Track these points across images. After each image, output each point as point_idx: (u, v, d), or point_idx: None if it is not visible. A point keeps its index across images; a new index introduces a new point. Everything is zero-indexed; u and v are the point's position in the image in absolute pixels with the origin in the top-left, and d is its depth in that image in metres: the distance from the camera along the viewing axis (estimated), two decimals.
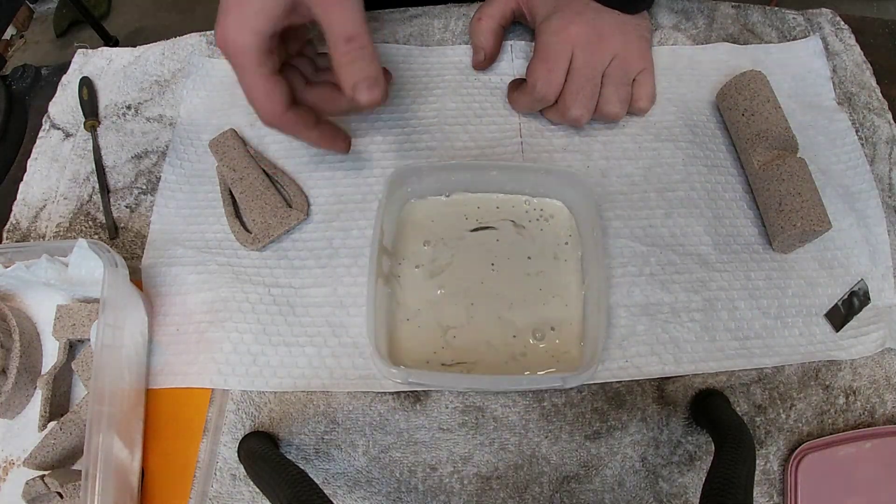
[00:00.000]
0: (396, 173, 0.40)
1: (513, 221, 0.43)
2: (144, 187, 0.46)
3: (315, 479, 0.30)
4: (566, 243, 0.42)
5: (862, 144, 0.47)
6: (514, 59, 0.50)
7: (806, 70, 0.50)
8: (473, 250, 0.42)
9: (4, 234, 0.46)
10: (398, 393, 0.39)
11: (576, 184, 0.41)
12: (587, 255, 0.41)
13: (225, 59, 0.50)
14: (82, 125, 0.49)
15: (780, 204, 0.40)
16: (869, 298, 0.41)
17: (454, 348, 0.39)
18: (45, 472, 0.35)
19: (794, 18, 0.53)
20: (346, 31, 0.34)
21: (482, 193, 0.44)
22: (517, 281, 0.41)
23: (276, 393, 0.39)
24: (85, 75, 0.51)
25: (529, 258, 0.42)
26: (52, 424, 0.37)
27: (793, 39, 0.52)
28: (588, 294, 0.40)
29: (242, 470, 0.37)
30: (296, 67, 0.40)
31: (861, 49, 0.52)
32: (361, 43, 0.34)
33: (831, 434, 0.38)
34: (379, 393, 0.39)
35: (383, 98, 0.36)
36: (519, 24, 0.50)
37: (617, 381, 0.39)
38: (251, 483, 0.37)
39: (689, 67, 0.50)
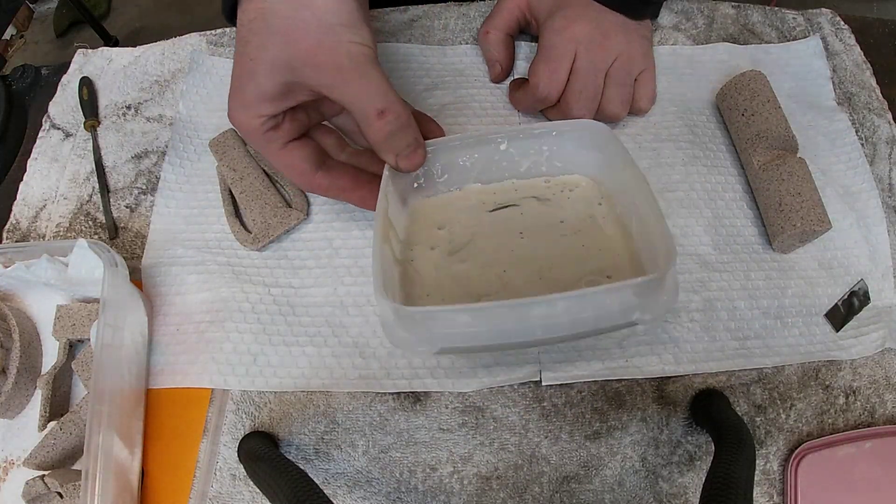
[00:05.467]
0: None
1: (535, 197, 0.39)
2: (144, 187, 0.46)
3: (315, 479, 0.30)
4: (599, 204, 0.38)
5: (862, 144, 0.47)
6: (515, 60, 0.50)
7: (806, 70, 0.50)
8: (496, 227, 0.37)
9: (4, 234, 0.46)
10: (398, 393, 0.39)
11: (598, 140, 0.37)
12: (624, 200, 0.36)
13: (226, 59, 0.50)
14: (82, 125, 0.49)
15: (780, 204, 0.40)
16: (869, 298, 0.41)
17: None
18: (45, 472, 0.35)
19: (794, 18, 0.53)
20: (374, 106, 0.32)
21: (497, 182, 0.40)
22: (554, 243, 0.36)
23: (276, 393, 0.39)
24: (85, 75, 0.51)
25: (562, 222, 0.37)
26: (52, 424, 0.37)
27: (793, 39, 0.52)
28: (641, 226, 0.34)
29: (242, 470, 0.37)
30: (330, 128, 0.39)
31: (861, 49, 0.52)
32: (395, 113, 0.33)
33: (831, 434, 0.38)
34: (379, 393, 0.39)
35: (424, 162, 0.36)
36: (523, 31, 0.50)
37: (617, 381, 0.39)
38: (251, 483, 0.37)
39: (689, 67, 0.50)
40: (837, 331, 0.41)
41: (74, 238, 0.38)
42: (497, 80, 0.48)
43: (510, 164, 0.40)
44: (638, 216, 0.35)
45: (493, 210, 0.38)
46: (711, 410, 0.37)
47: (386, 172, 0.36)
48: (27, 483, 0.35)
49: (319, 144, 0.38)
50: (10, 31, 1.83)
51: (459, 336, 0.29)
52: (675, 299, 0.29)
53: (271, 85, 0.32)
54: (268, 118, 0.33)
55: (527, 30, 0.48)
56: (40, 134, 0.50)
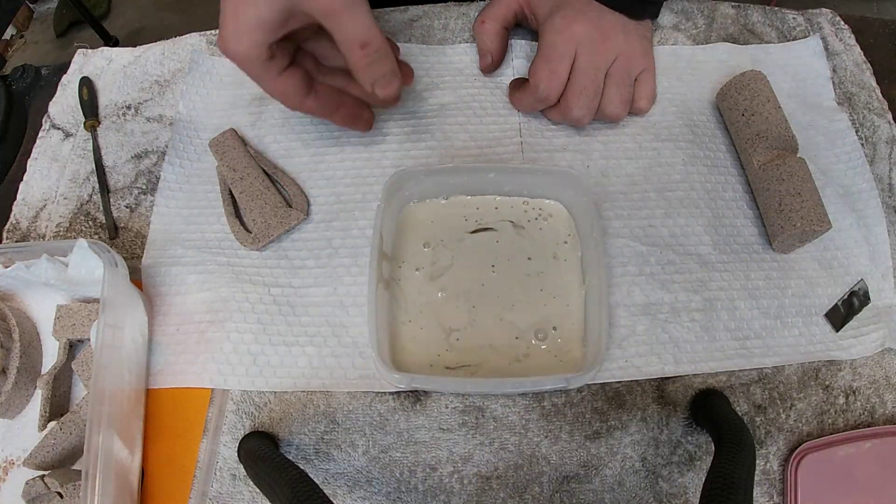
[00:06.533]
0: (394, 177, 0.40)
1: (512, 222, 0.43)
2: (144, 187, 0.46)
3: (315, 479, 0.30)
4: (565, 243, 0.42)
5: (862, 144, 0.47)
6: (514, 59, 0.50)
7: (806, 70, 0.50)
8: (473, 252, 0.42)
9: (4, 234, 0.46)
10: (398, 393, 0.39)
11: (574, 184, 0.41)
12: (587, 254, 0.41)
13: (227, 59, 0.50)
14: (82, 125, 0.49)
15: (780, 204, 0.40)
16: (869, 298, 0.41)
17: (458, 351, 0.39)
18: (45, 472, 0.35)
19: (794, 18, 0.53)
20: (358, 38, 0.35)
21: (480, 196, 0.44)
22: (518, 282, 0.41)
23: (276, 393, 0.39)
24: (85, 75, 0.51)
25: (529, 259, 0.42)
26: (52, 424, 0.37)
27: (793, 39, 0.52)
28: (589, 294, 0.40)
29: (242, 470, 0.37)
30: (307, 51, 0.41)
31: (861, 49, 0.52)
32: (375, 46, 0.35)
33: (831, 434, 0.38)
34: (379, 393, 0.39)
35: (399, 94, 0.39)
36: (520, 24, 0.50)
37: (617, 381, 0.39)
38: (251, 483, 0.37)
39: (689, 67, 0.50)
40: (837, 331, 0.41)
41: (74, 238, 0.38)
42: (487, 70, 0.49)
43: (495, 186, 0.43)
44: (589, 285, 0.40)
45: (474, 231, 0.42)
46: (711, 410, 0.37)
47: (381, 204, 0.39)
48: (27, 483, 0.35)
49: (306, 69, 0.40)
50: (10, 31, 1.83)
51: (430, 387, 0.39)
52: (597, 371, 0.36)
53: (271, 11, 0.33)
54: (263, 48, 0.35)
55: (524, 24, 0.48)
56: (40, 134, 0.50)
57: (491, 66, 0.48)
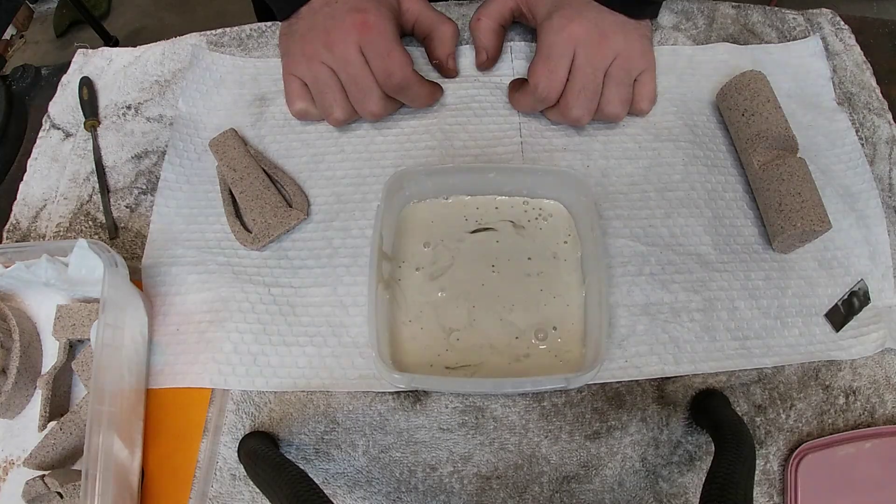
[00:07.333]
0: (394, 178, 0.40)
1: (512, 222, 0.43)
2: (144, 187, 0.46)
3: (315, 479, 0.30)
4: (565, 242, 0.42)
5: (862, 144, 0.47)
6: (513, 60, 0.50)
7: (806, 70, 0.50)
8: (474, 252, 0.42)
9: (4, 234, 0.46)
10: (398, 393, 0.39)
11: (574, 184, 0.41)
12: (587, 254, 0.41)
13: (228, 55, 0.50)
14: (82, 125, 0.49)
15: (780, 204, 0.40)
16: (869, 298, 0.41)
17: (458, 351, 0.39)
18: (45, 472, 0.35)
19: (794, 18, 0.53)
20: (444, 21, 0.47)
21: (480, 196, 0.44)
22: (518, 282, 0.41)
23: (276, 393, 0.39)
24: (85, 75, 0.51)
25: (529, 259, 0.42)
26: (52, 424, 0.37)
27: (793, 39, 0.52)
28: (589, 294, 0.40)
29: (242, 470, 0.37)
30: None
31: (861, 49, 0.52)
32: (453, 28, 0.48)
33: (831, 434, 0.38)
34: (379, 393, 0.39)
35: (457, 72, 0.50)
36: (520, 25, 0.50)
37: (617, 381, 0.39)
38: (251, 483, 0.37)
39: (689, 67, 0.50)
40: (837, 331, 0.41)
41: (74, 238, 0.38)
42: (482, 67, 0.49)
43: (495, 186, 0.43)
44: (589, 285, 0.40)
45: (474, 231, 0.42)
46: (711, 410, 0.37)
47: (381, 204, 0.39)
48: (27, 483, 0.35)
49: None
50: (10, 31, 1.83)
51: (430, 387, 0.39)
52: (597, 371, 0.35)
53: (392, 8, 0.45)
54: (396, 23, 0.45)
55: (522, 21, 0.48)
56: (40, 134, 0.50)
57: (486, 62, 0.48)
